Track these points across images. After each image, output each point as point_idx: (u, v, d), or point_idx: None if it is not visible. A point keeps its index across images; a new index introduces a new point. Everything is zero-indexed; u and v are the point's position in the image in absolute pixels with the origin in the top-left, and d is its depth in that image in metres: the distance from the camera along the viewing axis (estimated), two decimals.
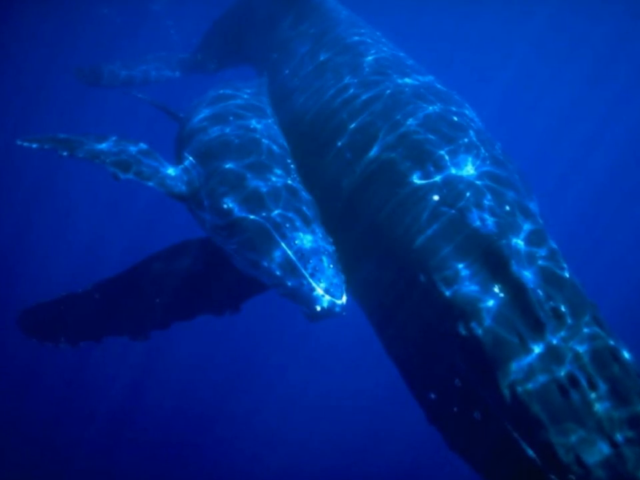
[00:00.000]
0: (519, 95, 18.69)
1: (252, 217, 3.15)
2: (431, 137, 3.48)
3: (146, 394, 9.94)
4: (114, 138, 3.63)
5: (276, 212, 3.16)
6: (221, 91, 4.35)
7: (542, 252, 2.98)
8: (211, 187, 3.39)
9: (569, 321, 2.72)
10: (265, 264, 3.03)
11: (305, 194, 3.42)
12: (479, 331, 2.74)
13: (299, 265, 2.96)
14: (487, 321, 2.75)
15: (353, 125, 3.78)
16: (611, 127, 17.96)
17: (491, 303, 2.80)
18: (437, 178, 3.28)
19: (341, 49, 4.57)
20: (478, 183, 3.24)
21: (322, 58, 4.63)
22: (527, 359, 2.63)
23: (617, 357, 2.65)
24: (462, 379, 2.81)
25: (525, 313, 2.73)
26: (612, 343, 2.70)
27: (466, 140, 3.49)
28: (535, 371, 2.60)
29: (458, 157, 3.38)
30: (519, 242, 2.98)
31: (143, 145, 3.66)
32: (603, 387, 2.54)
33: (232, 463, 9.57)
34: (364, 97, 3.91)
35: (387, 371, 3.54)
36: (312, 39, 5.02)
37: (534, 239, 3.03)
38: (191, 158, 3.69)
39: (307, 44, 5.02)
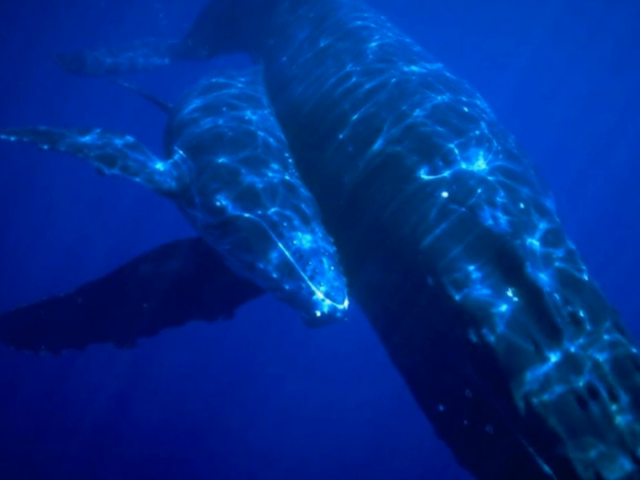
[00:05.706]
0: (534, 83, 18.68)
1: (247, 215, 3.15)
2: (440, 129, 3.49)
3: (132, 406, 9.94)
4: (98, 130, 3.63)
5: (272, 210, 3.16)
6: (214, 80, 4.36)
7: (559, 253, 2.99)
8: (203, 182, 3.40)
9: (588, 327, 2.73)
10: (261, 266, 3.03)
11: (303, 190, 3.43)
12: (491, 338, 2.74)
13: (297, 266, 2.96)
14: (500, 327, 2.75)
15: (355, 116, 3.78)
16: (633, 118, 17.94)
17: (504, 307, 2.80)
18: (446, 173, 3.29)
19: (343, 35, 4.58)
20: (490, 178, 3.25)
21: (322, 44, 4.64)
22: (543, 368, 2.64)
23: (639, 366, 2.65)
24: (473, 390, 2.82)
25: (541, 318, 2.74)
26: (634, 350, 2.71)
27: (477, 132, 3.50)
28: (551, 381, 2.60)
29: (468, 150, 3.38)
30: (534, 242, 2.99)
31: (129, 138, 3.67)
32: (624, 398, 2.55)
33: None
34: (367, 86, 3.92)
35: (392, 381, 3.55)
36: (311, 23, 5.03)
37: (550, 239, 3.04)
38: (181, 152, 3.69)
39: (306, 29, 5.03)
